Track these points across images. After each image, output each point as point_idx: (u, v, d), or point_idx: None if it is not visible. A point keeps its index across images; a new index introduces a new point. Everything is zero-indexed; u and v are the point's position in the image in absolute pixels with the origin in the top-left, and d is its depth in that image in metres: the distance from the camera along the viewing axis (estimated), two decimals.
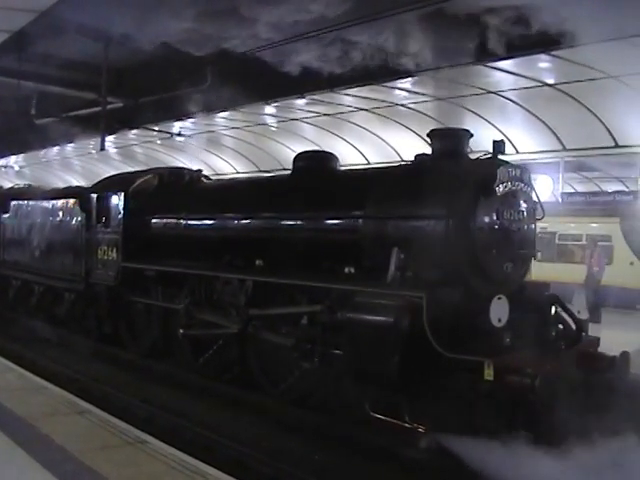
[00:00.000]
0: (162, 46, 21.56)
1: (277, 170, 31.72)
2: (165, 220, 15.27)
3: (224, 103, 28.52)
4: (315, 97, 27.69)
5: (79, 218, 17.56)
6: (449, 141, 10.95)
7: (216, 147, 34.48)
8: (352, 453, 10.03)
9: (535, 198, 10.71)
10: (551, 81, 24.87)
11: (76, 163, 44.84)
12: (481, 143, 23.43)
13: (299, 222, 12.15)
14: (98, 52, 27.25)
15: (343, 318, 10.34)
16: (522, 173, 10.38)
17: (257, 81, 23.77)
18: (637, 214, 25.63)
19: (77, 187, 22.72)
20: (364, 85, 25.30)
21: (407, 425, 9.74)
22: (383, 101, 28.31)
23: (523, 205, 10.43)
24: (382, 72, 21.26)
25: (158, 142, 34.22)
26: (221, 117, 30.95)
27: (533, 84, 25.29)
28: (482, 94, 26.28)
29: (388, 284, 9.96)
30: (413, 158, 11.53)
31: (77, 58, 26.55)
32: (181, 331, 13.93)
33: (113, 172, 39.60)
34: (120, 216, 15.84)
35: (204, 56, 25.10)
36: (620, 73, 22.10)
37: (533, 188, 10.68)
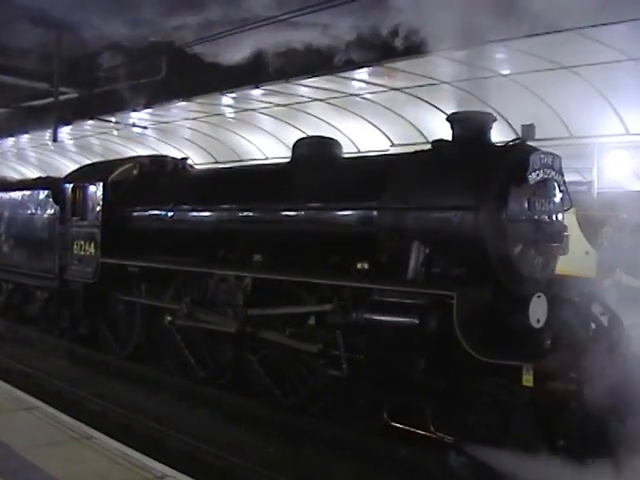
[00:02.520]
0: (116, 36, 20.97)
1: (233, 161, 31.03)
2: (149, 212, 13.81)
3: (179, 94, 27.93)
4: (271, 88, 27.03)
5: (52, 210, 16.13)
6: (472, 126, 9.75)
7: (172, 138, 33.69)
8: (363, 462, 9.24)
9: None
10: (506, 72, 24.46)
11: (32, 155, 43.68)
12: (436, 133, 22.96)
13: (304, 213, 10.90)
14: (51, 41, 26.65)
15: (359, 319, 9.26)
16: (553, 160, 9.40)
17: (212, 72, 23.20)
18: (592, 204, 25.36)
19: (48, 177, 20.90)
20: (320, 76, 24.69)
21: (432, 435, 8.84)
22: (339, 92, 27.72)
23: (555, 195, 9.52)
24: (338, 63, 20.92)
25: (114, 133, 33.30)
26: (177, 108, 30.17)
27: (488, 74, 24.85)
28: (436, 84, 25.81)
29: (411, 281, 9.01)
30: (431, 144, 10.38)
31: (29, 47, 25.84)
32: (169, 318, 12.56)
33: (69, 164, 39.02)
34: (98, 208, 14.36)
35: (159, 47, 24.64)
36: (573, 64, 21.78)
37: (563, 176, 9.68)
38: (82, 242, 14.69)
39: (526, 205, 9.08)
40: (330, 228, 10.50)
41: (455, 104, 26.83)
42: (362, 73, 24.96)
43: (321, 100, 28.58)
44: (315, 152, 11.64)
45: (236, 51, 20.13)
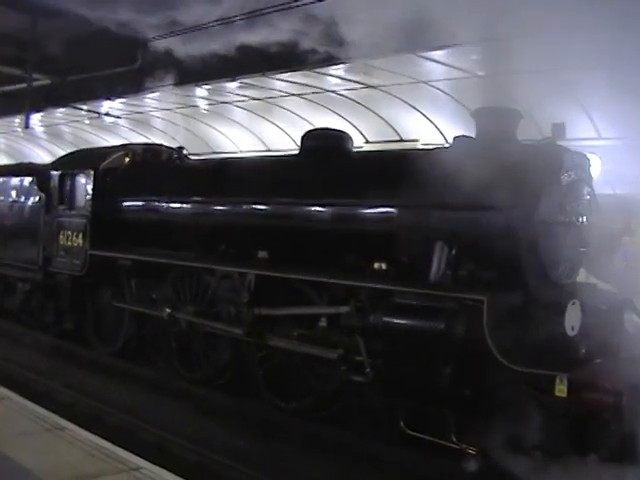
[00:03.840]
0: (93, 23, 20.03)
1: (206, 153, 30.08)
2: (143, 203, 12.76)
3: (154, 84, 26.93)
4: (247, 81, 26.16)
5: (36, 198, 14.95)
6: (499, 122, 9.01)
7: (145, 128, 32.57)
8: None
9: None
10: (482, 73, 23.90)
11: (1, 141, 42.23)
12: (410, 132, 22.27)
13: (317, 209, 9.97)
14: (25, 26, 25.53)
15: (378, 322, 8.54)
16: (583, 161, 8.82)
17: (188, 63, 22.29)
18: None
19: (32, 164, 19.46)
20: (296, 70, 23.86)
21: (453, 445, 8.18)
22: (315, 87, 26.94)
23: (585, 196, 8.82)
24: (314, 58, 20.17)
25: (86, 122, 32.12)
26: (151, 98, 29.07)
27: (463, 75, 24.27)
28: (413, 83, 25.14)
29: (437, 284, 8.32)
30: (452, 140, 9.61)
31: (2, 31, 24.74)
32: (168, 310, 11.62)
33: (40, 152, 37.79)
34: (88, 197, 13.26)
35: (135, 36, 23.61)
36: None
37: (592, 178, 9.06)
38: (69, 232, 13.59)
39: (558, 207, 8.39)
40: (345, 225, 9.66)
41: (431, 103, 26.39)
42: (339, 70, 24.17)
43: (297, 95, 27.75)
44: (325, 145, 10.74)
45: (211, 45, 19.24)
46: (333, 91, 26.86)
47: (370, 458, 8.72)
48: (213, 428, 9.86)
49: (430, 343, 8.01)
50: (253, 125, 29.65)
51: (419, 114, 26.14)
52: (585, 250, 8.90)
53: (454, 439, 8.16)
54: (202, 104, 29.52)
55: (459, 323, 7.86)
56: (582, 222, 8.74)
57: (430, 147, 9.96)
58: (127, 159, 13.70)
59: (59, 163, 14.98)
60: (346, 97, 26.80)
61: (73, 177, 13.73)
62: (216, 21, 16.65)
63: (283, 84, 26.51)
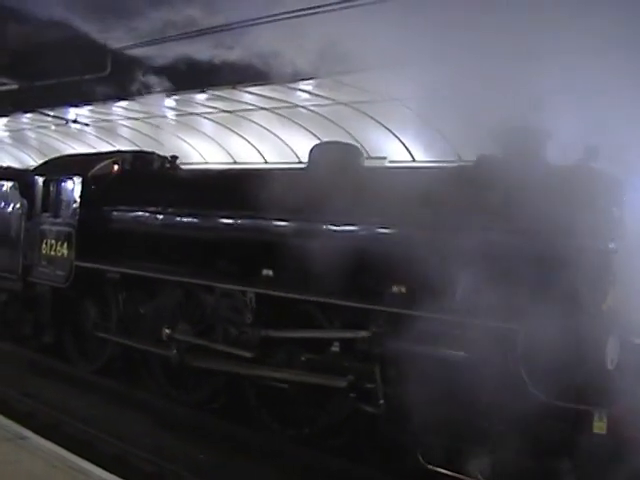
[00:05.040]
0: (62, 29, 19.09)
1: None
2: (134, 213, 11.69)
3: (123, 93, 25.89)
4: (216, 93, 25.30)
5: (16, 205, 13.79)
6: (527, 141, 8.35)
7: (112, 137, 31.46)
8: None
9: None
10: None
11: None
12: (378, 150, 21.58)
13: (327, 227, 9.17)
14: None
15: (399, 348, 7.88)
16: (616, 183, 8.18)
17: (159, 73, 21.37)
18: None
19: (12, 168, 18.22)
20: (265, 84, 23.06)
21: None
22: (284, 101, 26.19)
23: (619, 222, 8.15)
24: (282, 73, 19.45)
25: (52, 128, 30.92)
26: (118, 106, 28.02)
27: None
28: (382, 101, 24.51)
29: (467, 310, 7.57)
30: (476, 158, 8.86)
31: None
32: (167, 331, 10.60)
33: (4, 156, 36.30)
34: (75, 205, 12.17)
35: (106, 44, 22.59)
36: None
37: (623, 203, 8.34)
38: (53, 241, 12.50)
39: (593, 232, 7.68)
40: (362, 245, 8.78)
41: (400, 121, 25.81)
42: (308, 85, 23.48)
43: (266, 109, 26.98)
44: (336, 159, 9.92)
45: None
46: (302, 106, 26.22)
47: None
48: (173, 440, 9.53)
49: (458, 373, 7.27)
50: (221, 137, 28.78)
51: (387, 131, 25.59)
52: (615, 278, 8.15)
53: (480, 476, 7.54)
54: (170, 114, 28.58)
55: (492, 354, 7.17)
56: (615, 247, 8.03)
57: (450, 165, 9.07)
58: (117, 166, 12.66)
59: (43, 168, 13.86)
60: (315, 112, 26.17)
61: (59, 183, 12.65)
62: (185, 33, 15.87)
63: (252, 97, 25.75)
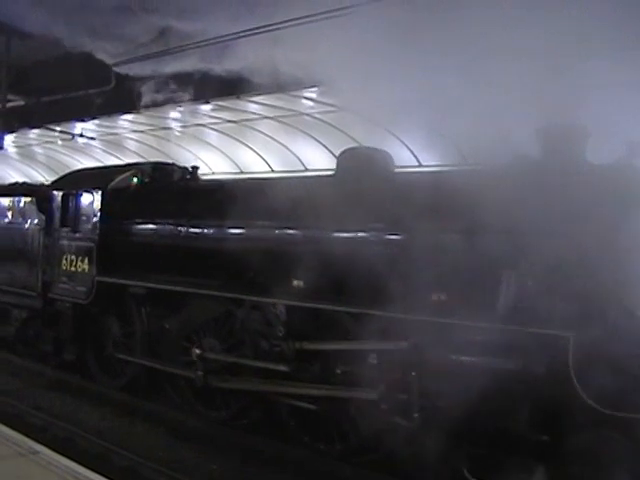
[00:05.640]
0: (67, 44, 18.70)
1: None
2: (157, 226, 11.19)
3: (128, 105, 25.49)
4: (220, 103, 24.88)
5: (35, 220, 13.33)
6: (567, 141, 7.91)
7: (118, 150, 31.06)
8: None
9: None
10: None
11: None
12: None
13: (361, 235, 8.75)
14: None
15: (441, 359, 7.48)
16: None
17: (163, 85, 21.00)
18: None
19: (28, 183, 17.77)
20: (269, 93, 22.66)
21: None
22: (289, 110, 25.80)
23: None
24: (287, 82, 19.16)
25: (59, 143, 30.50)
26: (124, 120, 27.61)
27: None
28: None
29: (514, 319, 7.13)
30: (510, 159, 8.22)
31: None
32: (197, 351, 10.11)
33: (12, 172, 35.90)
34: (96, 219, 11.73)
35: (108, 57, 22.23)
36: None
37: None
38: (73, 257, 12.03)
39: (637, 234, 7.15)
40: (398, 253, 8.31)
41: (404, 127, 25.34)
42: (312, 92, 23.06)
43: (270, 118, 26.56)
44: (366, 165, 9.45)
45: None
46: (307, 114, 25.81)
47: None
48: (186, 451, 9.36)
49: (504, 383, 6.92)
50: (227, 147, 28.35)
51: (393, 137, 25.17)
52: None
53: None
54: (175, 126, 28.18)
55: (539, 362, 6.86)
56: None
57: (482, 166, 8.56)
58: (136, 179, 12.22)
59: (61, 182, 13.38)
60: (320, 119, 25.74)
61: (78, 197, 12.19)
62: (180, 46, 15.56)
63: (256, 106, 25.34)
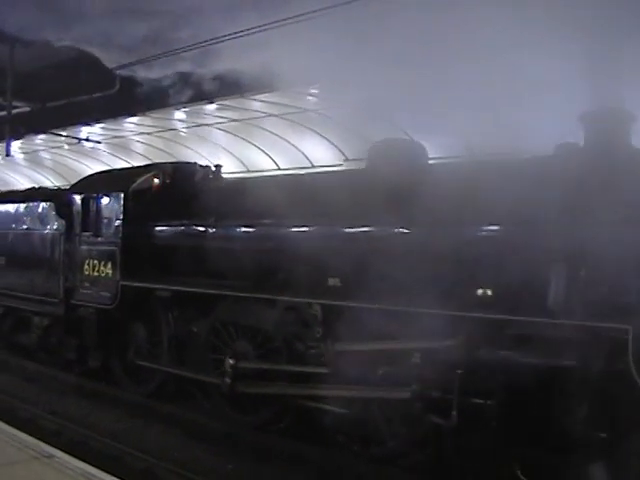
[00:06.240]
0: (70, 50, 18.32)
1: None
2: (181, 227, 10.78)
3: (132, 108, 25.05)
4: (225, 103, 24.43)
5: (54, 225, 12.83)
6: (612, 128, 7.39)
7: (125, 153, 30.61)
8: None
9: None
10: None
11: None
12: None
13: (399, 230, 8.24)
14: (3, 54, 23.63)
15: (491, 357, 7.03)
16: None
17: (165, 86, 20.56)
18: None
19: (47, 188, 17.16)
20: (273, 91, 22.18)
21: None
22: (293, 107, 25.35)
23: None
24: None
25: (65, 147, 30.06)
26: (130, 122, 27.16)
27: None
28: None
29: (569, 313, 6.71)
30: (555, 148, 7.90)
31: None
32: (231, 361, 9.49)
33: (20, 178, 35.48)
34: (118, 223, 11.24)
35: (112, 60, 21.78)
36: None
37: None
38: (96, 262, 11.55)
39: None
40: (439, 247, 7.82)
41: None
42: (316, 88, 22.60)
43: (275, 115, 26.11)
44: (399, 157, 8.91)
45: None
46: (312, 110, 25.35)
47: None
48: (201, 452, 9.17)
49: (560, 380, 6.50)
50: (233, 146, 27.93)
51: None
52: None
53: None
54: (181, 127, 27.75)
55: (597, 357, 6.41)
56: None
57: (524, 157, 8.07)
58: (158, 180, 11.71)
59: (81, 186, 12.86)
60: (325, 116, 25.31)
61: (99, 201, 11.71)
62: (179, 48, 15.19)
63: (261, 104, 24.92)
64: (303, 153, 28.02)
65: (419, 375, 7.74)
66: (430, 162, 9.49)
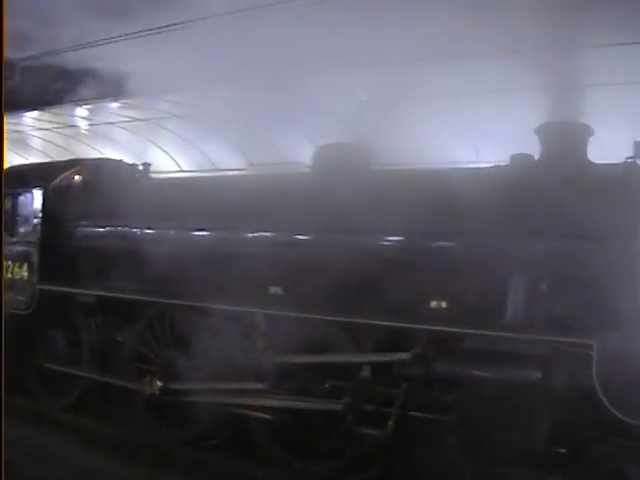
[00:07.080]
0: None
1: None
2: (105, 228, 9.87)
3: (32, 102, 23.68)
4: (129, 101, 23.44)
5: None
6: (568, 140, 7.21)
7: (23, 148, 28.99)
8: None
9: None
10: None
11: None
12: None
13: (346, 237, 7.73)
14: None
15: (447, 371, 6.66)
16: None
17: (66, 81, 19.49)
18: None
19: None
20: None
21: None
22: (197, 108, 24.60)
23: None
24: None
25: None
26: (29, 117, 25.72)
27: None
28: None
29: (529, 326, 6.55)
30: (510, 159, 7.61)
31: None
32: (159, 384, 8.73)
33: None
34: (36, 221, 10.27)
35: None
36: None
37: None
38: (9, 263, 10.49)
39: None
40: (387, 255, 7.42)
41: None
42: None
43: (180, 117, 25.31)
44: (344, 162, 8.43)
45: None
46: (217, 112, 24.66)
47: None
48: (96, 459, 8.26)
49: (521, 396, 6.26)
50: (136, 146, 26.92)
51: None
52: None
53: None
54: (83, 124, 26.48)
55: (560, 372, 6.20)
56: None
57: (483, 166, 7.79)
58: (78, 177, 10.76)
59: None
60: (230, 119, 24.64)
61: (15, 197, 10.63)
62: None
63: (166, 105, 24.09)
64: (206, 156, 27.29)
65: (356, 388, 7.35)
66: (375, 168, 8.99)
